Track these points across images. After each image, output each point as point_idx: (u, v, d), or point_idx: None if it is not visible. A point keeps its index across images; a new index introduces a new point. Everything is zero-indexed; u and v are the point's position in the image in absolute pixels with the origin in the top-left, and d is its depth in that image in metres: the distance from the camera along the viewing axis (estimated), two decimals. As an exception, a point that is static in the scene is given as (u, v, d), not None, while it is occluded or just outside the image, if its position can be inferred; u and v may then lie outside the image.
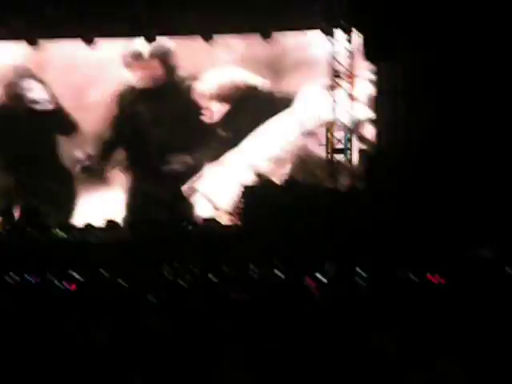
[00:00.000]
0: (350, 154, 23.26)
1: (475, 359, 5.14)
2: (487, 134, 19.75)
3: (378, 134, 22.16)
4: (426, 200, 18.65)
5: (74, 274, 15.26)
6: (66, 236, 20.76)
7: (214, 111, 24.11)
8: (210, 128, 24.22)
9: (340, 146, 23.38)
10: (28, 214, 21.68)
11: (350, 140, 23.43)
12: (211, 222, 21.22)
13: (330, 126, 23.37)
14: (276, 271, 14.83)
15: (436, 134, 20.09)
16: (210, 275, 14.31)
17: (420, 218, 18.11)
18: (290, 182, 21.26)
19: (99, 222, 21.24)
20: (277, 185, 21.17)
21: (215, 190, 23.59)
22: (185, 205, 21.95)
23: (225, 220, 22.07)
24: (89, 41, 23.77)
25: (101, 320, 7.15)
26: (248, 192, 19.26)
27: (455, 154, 19.61)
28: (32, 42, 24.10)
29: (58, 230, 21.08)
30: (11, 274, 15.04)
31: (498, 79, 19.93)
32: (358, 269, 14.92)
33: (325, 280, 13.84)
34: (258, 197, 18.91)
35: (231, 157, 24.05)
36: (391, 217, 17.91)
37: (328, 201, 18.58)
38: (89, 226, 21.13)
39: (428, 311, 8.15)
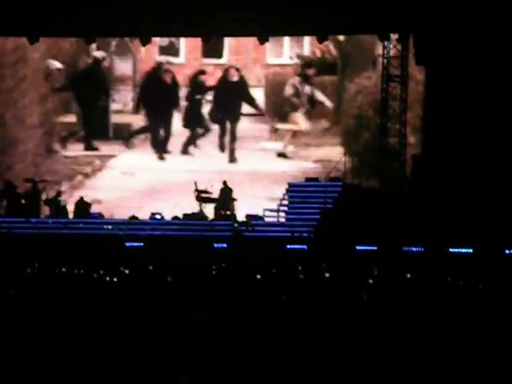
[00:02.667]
0: (404, 159, 23.25)
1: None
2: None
3: (429, 139, 22.20)
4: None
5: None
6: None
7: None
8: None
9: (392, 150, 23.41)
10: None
11: (404, 145, 23.41)
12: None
13: (382, 131, 23.40)
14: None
15: (485, 138, 20.14)
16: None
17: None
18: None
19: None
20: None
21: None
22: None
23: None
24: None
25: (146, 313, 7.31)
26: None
27: (502, 159, 19.69)
28: None
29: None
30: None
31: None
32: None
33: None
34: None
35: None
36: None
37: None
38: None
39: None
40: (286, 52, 25.92)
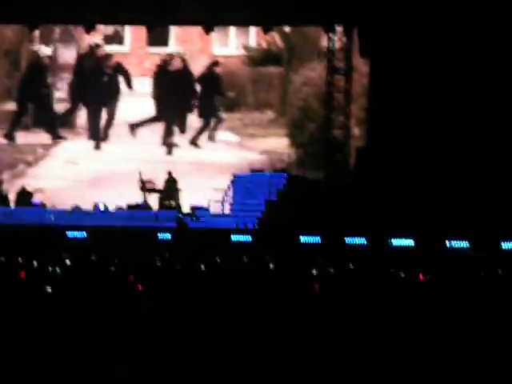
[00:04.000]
0: (348, 151, 23.38)
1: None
2: (484, 135, 20.04)
3: (374, 131, 22.37)
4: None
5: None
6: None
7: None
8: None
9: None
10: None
11: (348, 137, 23.54)
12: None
13: (327, 123, 23.49)
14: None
15: (428, 131, 20.37)
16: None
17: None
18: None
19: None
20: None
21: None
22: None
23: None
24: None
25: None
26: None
27: (445, 152, 19.94)
28: None
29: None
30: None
31: (496, 79, 20.18)
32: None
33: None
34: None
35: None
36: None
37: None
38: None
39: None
40: (232, 42, 25.91)
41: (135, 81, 25.27)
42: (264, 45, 25.71)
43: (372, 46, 21.63)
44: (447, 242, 19.09)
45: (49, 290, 8.85)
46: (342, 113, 23.25)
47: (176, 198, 22.68)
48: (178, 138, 25.30)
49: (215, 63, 25.40)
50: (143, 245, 19.17)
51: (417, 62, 20.65)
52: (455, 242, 18.98)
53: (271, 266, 15.11)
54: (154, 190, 22.89)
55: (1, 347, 5.72)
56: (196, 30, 24.33)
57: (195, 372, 5.12)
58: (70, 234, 20.95)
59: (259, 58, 25.70)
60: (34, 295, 8.52)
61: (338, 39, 23.19)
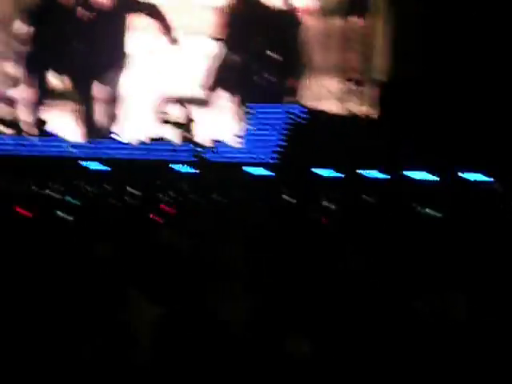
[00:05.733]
0: (363, 83, 23.17)
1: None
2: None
3: (393, 64, 22.12)
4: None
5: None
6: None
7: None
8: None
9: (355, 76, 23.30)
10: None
11: (366, 69, 23.32)
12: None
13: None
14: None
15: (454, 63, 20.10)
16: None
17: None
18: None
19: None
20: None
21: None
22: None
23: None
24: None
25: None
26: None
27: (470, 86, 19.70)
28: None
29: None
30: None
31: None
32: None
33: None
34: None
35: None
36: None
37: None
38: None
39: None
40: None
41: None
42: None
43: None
44: (468, 176, 19.01)
45: (69, 218, 8.92)
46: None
47: (194, 131, 22.63)
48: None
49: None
50: (161, 178, 19.21)
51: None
52: (476, 175, 18.90)
53: (286, 199, 15.14)
54: (172, 123, 22.84)
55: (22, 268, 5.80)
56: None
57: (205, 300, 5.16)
58: (89, 165, 21.01)
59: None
60: (52, 227, 8.60)
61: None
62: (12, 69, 24.48)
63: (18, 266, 5.64)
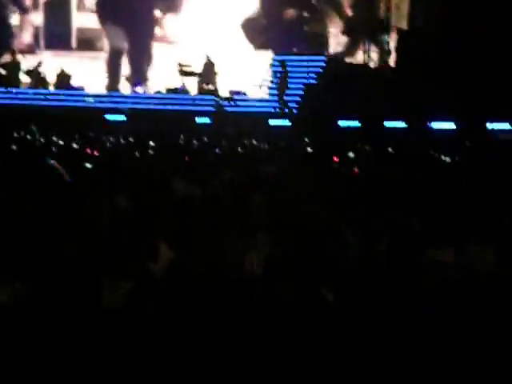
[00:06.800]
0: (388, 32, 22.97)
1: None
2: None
3: (415, 13, 21.88)
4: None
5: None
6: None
7: None
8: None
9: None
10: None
11: (388, 18, 23.10)
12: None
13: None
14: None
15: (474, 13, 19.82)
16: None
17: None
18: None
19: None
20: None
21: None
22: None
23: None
24: None
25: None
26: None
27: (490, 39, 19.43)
28: None
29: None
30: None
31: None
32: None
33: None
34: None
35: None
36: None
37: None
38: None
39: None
40: None
41: None
42: None
43: None
44: (489, 125, 18.86)
45: (88, 166, 8.88)
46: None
47: (214, 82, 22.50)
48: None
49: None
50: (181, 128, 19.15)
51: None
52: (497, 124, 18.74)
53: (309, 150, 15.04)
54: (191, 74, 22.71)
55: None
56: None
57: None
58: (110, 116, 20.99)
59: None
60: (72, 174, 8.55)
61: None
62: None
63: (36, 213, 5.60)
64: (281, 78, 21.39)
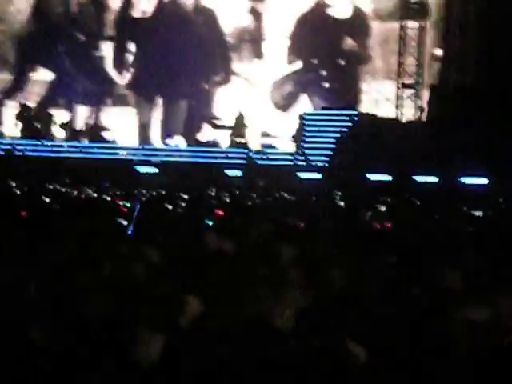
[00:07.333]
0: (421, 89, 23.11)
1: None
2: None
3: (447, 70, 21.97)
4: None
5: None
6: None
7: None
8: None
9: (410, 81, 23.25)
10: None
11: (420, 74, 23.22)
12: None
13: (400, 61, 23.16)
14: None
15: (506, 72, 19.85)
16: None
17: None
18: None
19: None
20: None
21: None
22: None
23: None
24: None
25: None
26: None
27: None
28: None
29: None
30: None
31: None
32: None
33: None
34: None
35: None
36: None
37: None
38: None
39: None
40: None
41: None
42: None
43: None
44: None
45: (123, 222, 8.96)
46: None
47: (245, 135, 22.65)
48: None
49: None
50: (213, 181, 19.25)
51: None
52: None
53: (341, 203, 15.05)
54: (223, 127, 22.90)
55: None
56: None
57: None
58: (141, 169, 21.15)
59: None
60: (106, 229, 8.63)
61: None
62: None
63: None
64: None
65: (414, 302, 5.13)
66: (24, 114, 22.89)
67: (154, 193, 16.29)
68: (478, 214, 12.49)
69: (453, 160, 18.72)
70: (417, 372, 4.02)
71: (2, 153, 21.25)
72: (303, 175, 20.69)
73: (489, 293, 4.65)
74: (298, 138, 22.17)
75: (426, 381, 3.98)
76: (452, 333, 4.21)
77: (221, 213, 10.56)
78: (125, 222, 9.15)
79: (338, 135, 21.41)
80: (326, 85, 24.01)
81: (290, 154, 21.97)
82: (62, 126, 23.18)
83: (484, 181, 19.13)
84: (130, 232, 8.16)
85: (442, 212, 12.96)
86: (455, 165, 18.80)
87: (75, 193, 15.34)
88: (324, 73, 24.04)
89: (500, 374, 3.88)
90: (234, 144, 22.47)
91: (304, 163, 21.24)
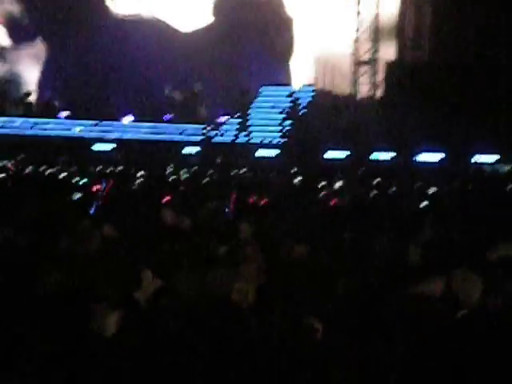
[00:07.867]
0: (375, 66, 23.12)
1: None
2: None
3: (403, 46, 22.03)
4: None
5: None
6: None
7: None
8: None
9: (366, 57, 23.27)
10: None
11: (375, 51, 23.23)
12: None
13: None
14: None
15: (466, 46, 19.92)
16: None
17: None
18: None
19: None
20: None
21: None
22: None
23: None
24: None
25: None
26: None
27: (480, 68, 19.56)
28: None
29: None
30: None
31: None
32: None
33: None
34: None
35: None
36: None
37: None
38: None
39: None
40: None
41: None
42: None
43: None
44: (474, 157, 18.96)
45: (76, 196, 8.89)
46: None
47: (201, 112, 22.55)
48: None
49: None
50: (168, 158, 19.16)
51: None
52: (482, 156, 18.85)
53: (296, 180, 15.07)
54: (180, 104, 22.78)
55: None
56: None
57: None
58: (96, 146, 20.96)
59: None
60: (62, 206, 8.57)
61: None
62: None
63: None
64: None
65: (369, 275, 5.16)
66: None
67: (112, 169, 16.18)
68: (433, 190, 12.58)
69: (409, 136, 18.84)
70: (369, 344, 4.06)
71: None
72: (260, 152, 20.69)
73: (442, 267, 4.70)
74: (254, 114, 22.15)
75: (381, 354, 4.02)
76: (405, 306, 4.25)
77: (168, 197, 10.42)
78: (80, 198, 9.07)
79: (294, 111, 21.42)
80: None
81: (247, 131, 21.92)
82: (14, 102, 22.87)
83: (440, 156, 19.28)
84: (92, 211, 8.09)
85: (397, 188, 13.05)
86: (411, 141, 18.92)
87: (29, 169, 15.18)
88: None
89: (452, 346, 3.93)
90: (189, 121, 22.35)
91: (260, 140, 21.23)
